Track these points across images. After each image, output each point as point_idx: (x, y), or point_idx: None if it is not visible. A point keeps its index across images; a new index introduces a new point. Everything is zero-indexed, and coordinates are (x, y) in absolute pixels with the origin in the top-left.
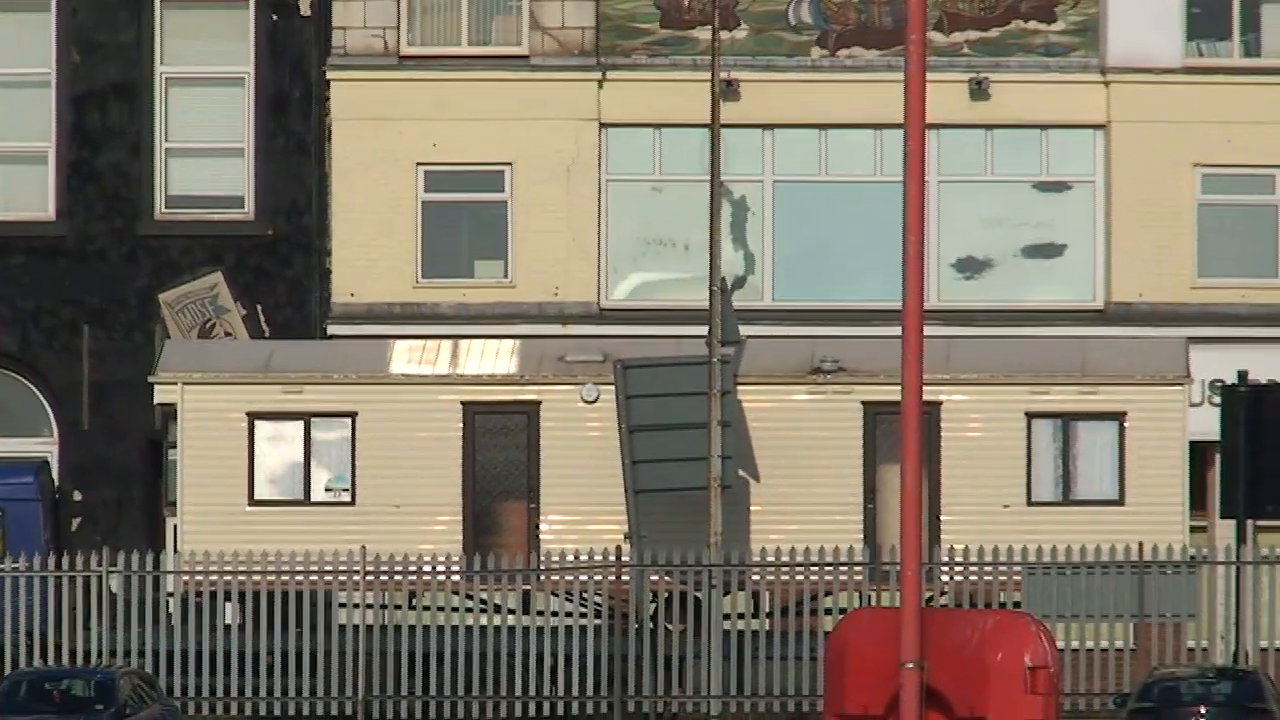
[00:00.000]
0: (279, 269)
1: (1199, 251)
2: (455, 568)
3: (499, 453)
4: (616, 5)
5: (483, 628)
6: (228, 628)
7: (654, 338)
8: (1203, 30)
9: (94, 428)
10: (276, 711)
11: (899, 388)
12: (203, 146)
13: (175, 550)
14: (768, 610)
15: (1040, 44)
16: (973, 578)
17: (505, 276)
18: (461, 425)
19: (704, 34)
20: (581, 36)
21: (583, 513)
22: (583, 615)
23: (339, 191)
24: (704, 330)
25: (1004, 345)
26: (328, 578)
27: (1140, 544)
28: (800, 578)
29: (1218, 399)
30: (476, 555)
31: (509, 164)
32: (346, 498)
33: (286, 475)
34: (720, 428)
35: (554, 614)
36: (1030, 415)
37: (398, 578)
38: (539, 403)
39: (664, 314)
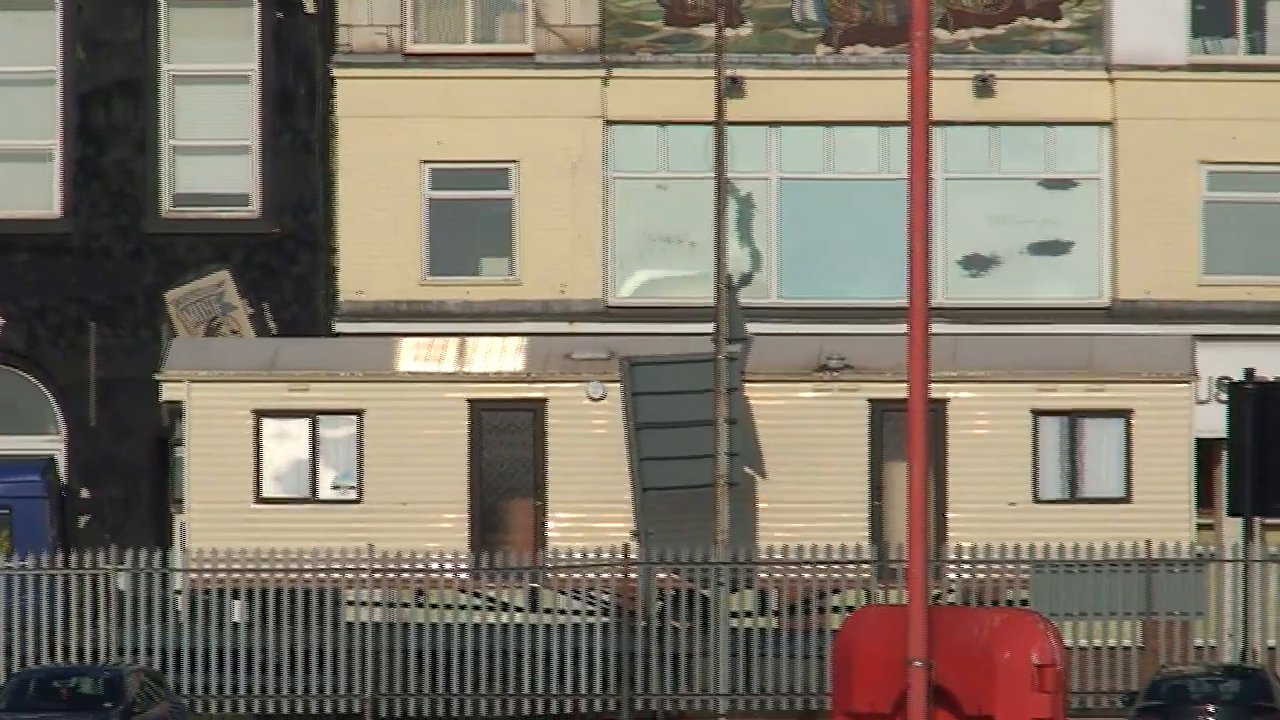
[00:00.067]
0: (285, 267)
1: (1205, 249)
2: (462, 565)
3: (505, 450)
4: (621, 3)
5: (490, 625)
6: (235, 625)
7: (660, 335)
8: (1208, 27)
9: (101, 425)
10: (284, 709)
11: (905, 385)
12: (208, 144)
13: (182, 548)
14: (775, 608)
15: (1045, 41)
16: (980, 575)
17: (511, 274)
18: (468, 423)
19: (709, 31)
20: (586, 34)
21: (589, 510)
22: (590, 613)
23: (345, 189)
24: (710, 327)
25: (1010, 343)
26: (335, 575)
27: (1147, 542)
28: (807, 575)
29: (1225, 396)
30: (483, 553)
31: (515, 162)
32: (353, 495)
33: (293, 473)
34: (727, 425)
35: (561, 612)
36: (1037, 413)
37: (405, 575)
38: (545, 400)
39: (670, 311)
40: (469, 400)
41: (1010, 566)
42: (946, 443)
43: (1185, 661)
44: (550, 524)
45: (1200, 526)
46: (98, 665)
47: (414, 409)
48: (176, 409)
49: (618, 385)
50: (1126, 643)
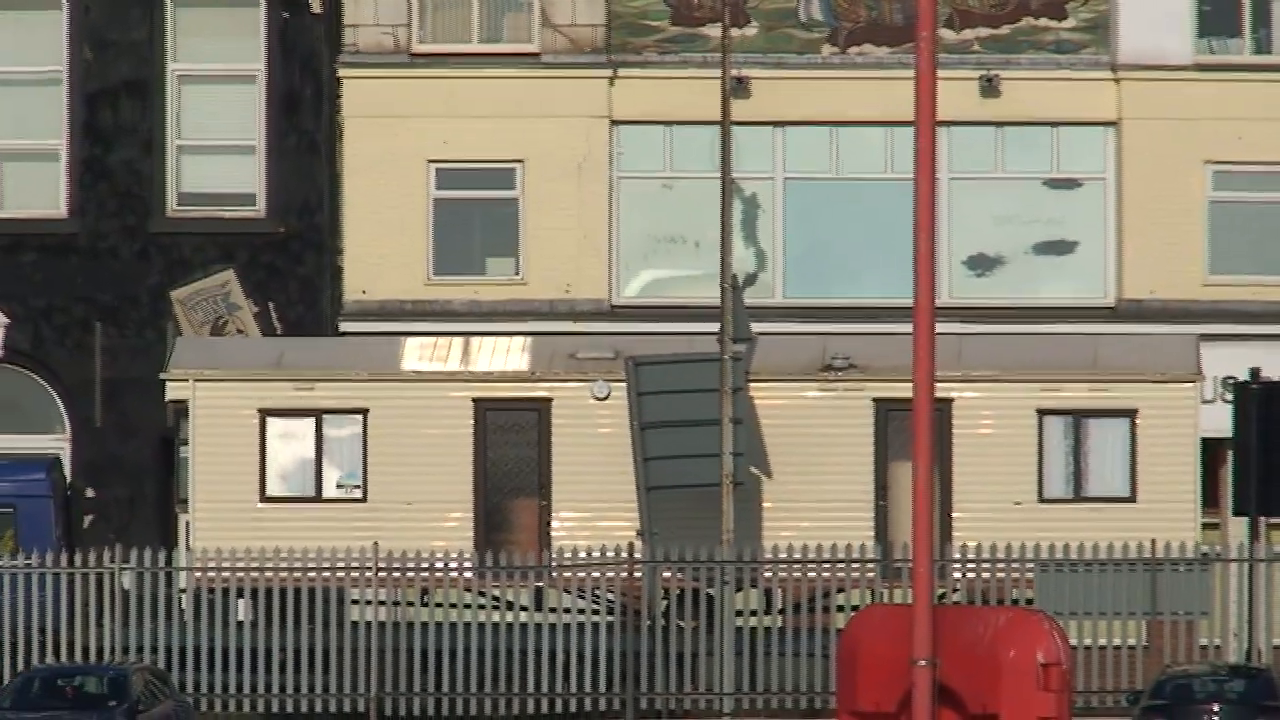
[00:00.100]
0: (291, 266)
1: (1210, 248)
2: (467, 565)
3: (510, 449)
4: (627, 3)
5: (495, 624)
6: (240, 624)
7: (665, 334)
8: (1213, 27)
9: (106, 425)
10: (289, 708)
11: (910, 384)
12: (214, 144)
13: (187, 547)
14: (780, 607)
15: (1051, 41)
16: (985, 575)
17: (516, 273)
18: (473, 422)
19: (715, 31)
20: (592, 34)
21: (594, 509)
22: (595, 612)
23: (350, 189)
24: (715, 327)
25: (1015, 342)
26: (340, 574)
27: (1153, 541)
28: (812, 574)
29: (1230, 396)
30: (488, 552)
31: (520, 161)
32: (358, 494)
33: (298, 472)
34: (732, 424)
35: (566, 611)
36: (1042, 412)
37: (409, 574)
38: (550, 400)
39: (675, 311)
40: (474, 399)
41: (1015, 566)
42: (951, 442)
43: (1190, 661)
44: (555, 523)
45: (1205, 526)
46: (103, 664)
47: (419, 408)
48: (181, 408)
49: (623, 385)
50: (1131, 642)
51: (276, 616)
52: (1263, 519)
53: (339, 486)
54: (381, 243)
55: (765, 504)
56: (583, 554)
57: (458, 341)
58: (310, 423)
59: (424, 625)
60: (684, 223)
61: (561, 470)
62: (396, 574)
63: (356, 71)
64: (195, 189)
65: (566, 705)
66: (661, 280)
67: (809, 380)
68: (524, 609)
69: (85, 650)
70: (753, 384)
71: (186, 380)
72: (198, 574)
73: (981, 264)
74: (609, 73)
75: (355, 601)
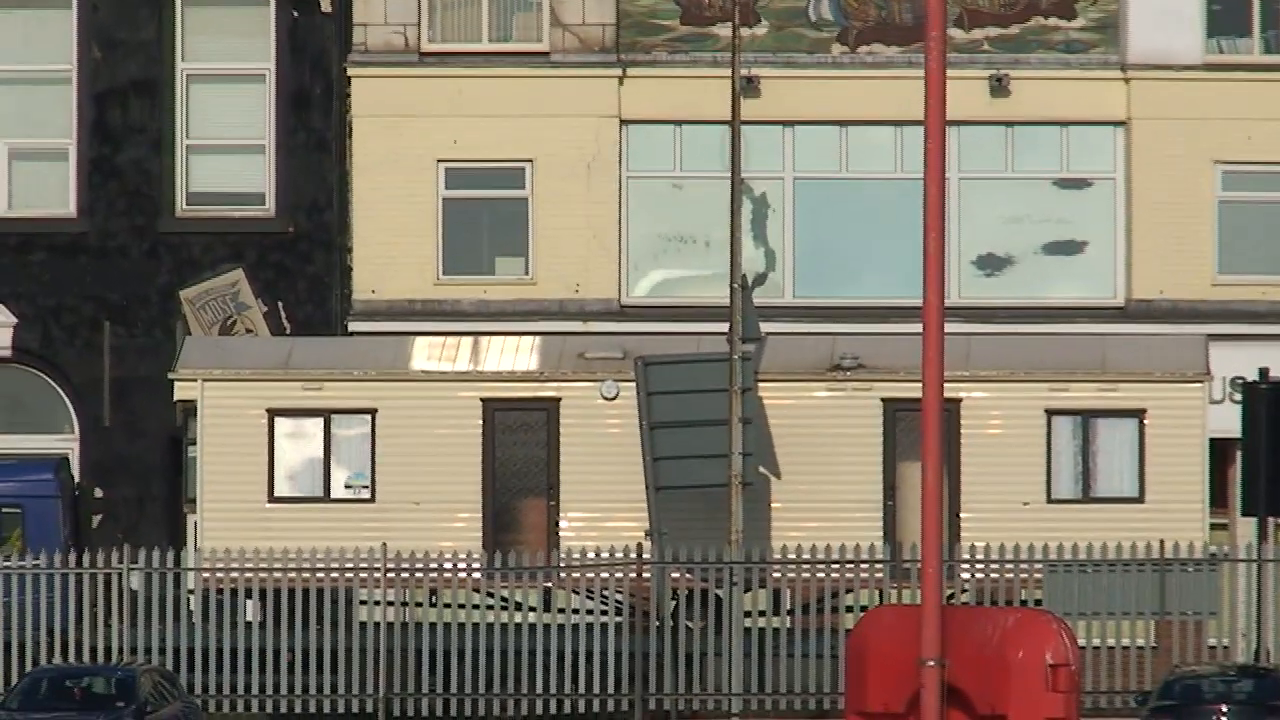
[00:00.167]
0: (300, 266)
1: (1219, 248)
2: (475, 565)
3: (519, 449)
4: (637, 2)
5: (503, 625)
6: (248, 625)
7: (674, 334)
8: (1223, 27)
9: (115, 424)
10: (297, 709)
11: (919, 384)
12: (224, 143)
13: (196, 547)
14: (788, 608)
15: (1060, 41)
16: (993, 575)
17: (526, 273)
18: (481, 422)
19: (724, 31)
20: (602, 33)
21: (603, 510)
22: (603, 613)
23: (360, 188)
24: (724, 327)
25: (1024, 342)
26: (348, 575)
27: (1161, 542)
28: (821, 575)
29: (1239, 396)
30: (497, 552)
31: (530, 161)
32: (366, 495)
33: (306, 472)
34: (741, 424)
35: (574, 611)
36: (1050, 412)
37: (418, 575)
38: (559, 399)
39: (684, 311)
40: (482, 399)
41: (1024, 566)
42: (960, 442)
43: (1199, 661)
44: (563, 523)
45: (1214, 526)
46: (110, 665)
47: (428, 408)
48: (190, 408)
49: (632, 385)
50: (1140, 642)
51: (285, 617)
52: (1271, 519)
53: (347, 487)
54: (391, 242)
55: (774, 504)
56: (591, 554)
57: (467, 341)
58: (319, 423)
59: (432, 626)
60: (693, 222)
61: (570, 470)
62: (405, 574)
63: (366, 71)
64: (204, 188)
65: (575, 706)
66: (671, 280)
67: (818, 380)
68: (532, 609)
69: (93, 651)
70: (761, 384)
71: (195, 380)
72: (206, 574)
73: (991, 264)
74: (618, 72)
75: (364, 602)
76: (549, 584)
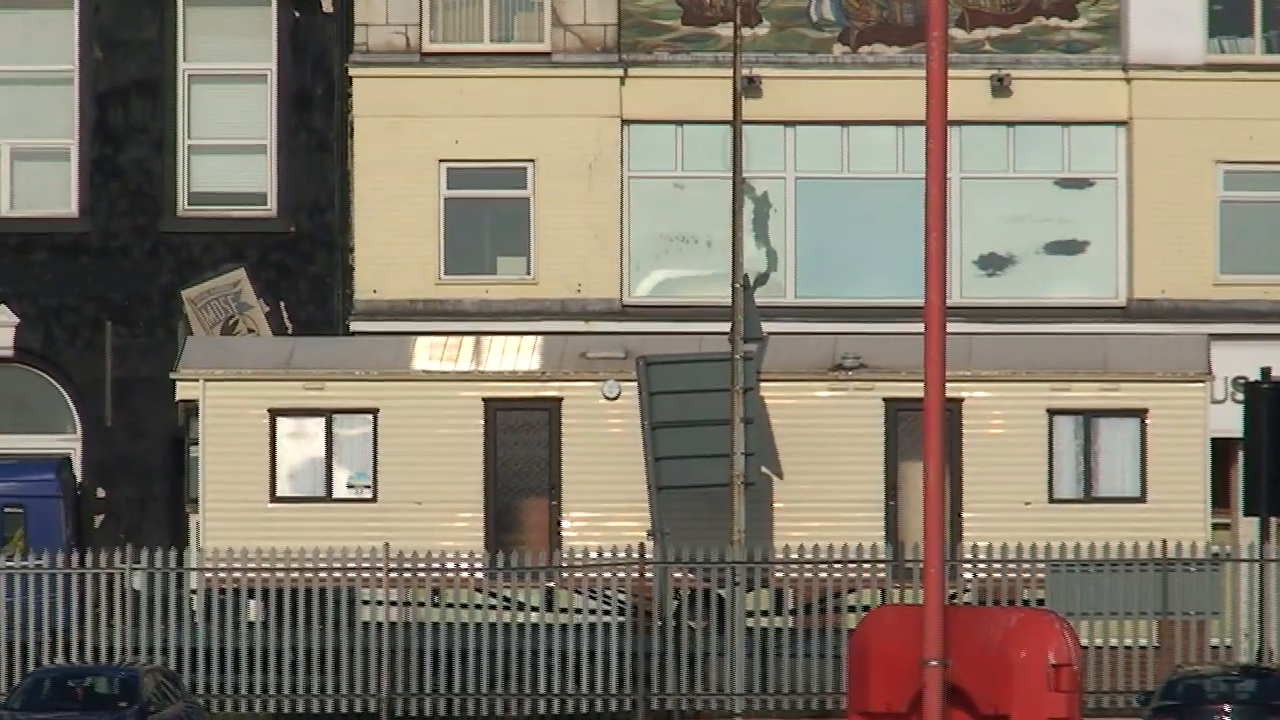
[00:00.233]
0: (301, 266)
1: (1221, 248)
2: (478, 565)
3: (521, 449)
4: (638, 2)
5: (505, 625)
6: (251, 625)
7: (676, 334)
8: (1224, 27)
9: (117, 424)
10: (299, 709)
11: (920, 384)
12: (225, 143)
13: (198, 547)
14: (791, 607)
15: (1062, 41)
16: (995, 575)
17: (527, 273)
18: (483, 422)
19: (726, 31)
20: (603, 33)
21: (605, 510)
22: (605, 613)
23: (361, 188)
24: (726, 327)
25: (1026, 342)
26: (350, 575)
27: (1163, 541)
28: (823, 575)
29: (1240, 396)
30: (499, 552)
31: (531, 161)
32: (368, 494)
33: (308, 472)
34: (743, 424)
35: (577, 611)
36: (1052, 412)
37: (420, 575)
38: (561, 399)
39: (686, 310)
40: (484, 399)
41: (1026, 566)
42: (962, 442)
43: (1201, 661)
44: (566, 523)
45: (1216, 526)
46: (113, 665)
47: (429, 408)
48: (192, 408)
49: (633, 384)
50: (1142, 642)
51: (287, 617)
52: (1273, 519)
53: (349, 486)
54: (392, 242)
55: (776, 504)
56: (593, 554)
57: (468, 341)
58: (320, 422)
59: (434, 626)
60: (695, 222)
61: (572, 470)
62: (407, 574)
63: (367, 71)
64: (206, 188)
65: (577, 706)
66: (672, 280)
67: (819, 380)
68: (534, 609)
69: (96, 651)
70: (763, 384)
71: (197, 380)
72: (208, 574)
73: (992, 264)
74: (620, 72)
75: (366, 602)
76: (551, 584)
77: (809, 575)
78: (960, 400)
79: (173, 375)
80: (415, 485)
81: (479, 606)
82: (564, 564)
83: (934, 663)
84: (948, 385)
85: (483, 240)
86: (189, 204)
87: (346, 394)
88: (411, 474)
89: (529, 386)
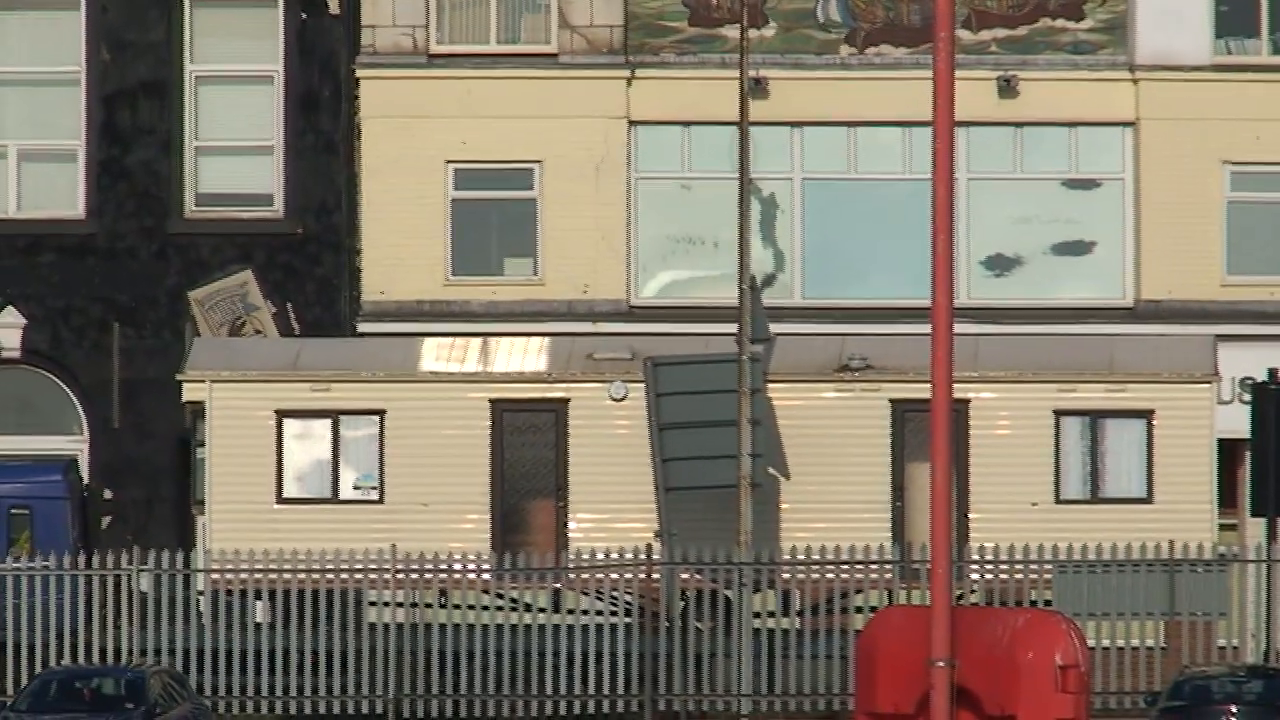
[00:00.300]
0: (308, 267)
1: (1228, 249)
2: (484, 566)
3: (528, 451)
4: (645, 3)
5: (513, 626)
6: (257, 626)
7: (683, 335)
8: (1231, 28)
9: (124, 426)
10: (307, 710)
11: (928, 385)
12: (232, 145)
13: (204, 548)
14: (798, 609)
15: (1068, 42)
16: (1002, 576)
17: (534, 274)
18: (490, 423)
19: (732, 32)
20: (610, 35)
21: (612, 511)
22: (613, 614)
23: (368, 190)
24: (733, 328)
25: (1032, 343)
26: (357, 576)
27: (1170, 542)
28: (830, 576)
29: (1247, 396)
30: (506, 553)
31: (538, 162)
32: (375, 496)
33: (315, 473)
34: (750, 425)
35: (584, 612)
36: (1059, 413)
37: (427, 576)
38: (568, 400)
39: (693, 311)
40: (491, 400)
41: (1033, 567)
42: (968, 443)
43: (1208, 662)
44: (572, 524)
45: (1223, 527)
46: (120, 666)
47: (436, 409)
48: (199, 409)
49: (640, 385)
50: (1149, 643)
51: (294, 618)
52: None
53: (356, 488)
54: (399, 243)
55: (783, 505)
56: (600, 555)
57: (475, 342)
58: (327, 424)
59: (441, 627)
60: (702, 223)
61: (579, 471)
62: (414, 575)
63: (374, 72)
64: (213, 189)
65: (584, 707)
66: (680, 281)
67: (826, 381)
68: (542, 610)
69: (102, 652)
70: (770, 385)
71: (204, 381)
72: (215, 576)
73: (999, 264)
74: (627, 73)
75: (373, 603)
76: (558, 585)
77: (816, 576)
78: (967, 401)
79: (179, 376)
80: (422, 486)
81: (486, 608)
82: (571, 565)
83: (941, 663)
84: (954, 386)
85: (490, 241)
86: (196, 205)
87: (353, 395)
88: (418, 475)
89: (536, 388)
